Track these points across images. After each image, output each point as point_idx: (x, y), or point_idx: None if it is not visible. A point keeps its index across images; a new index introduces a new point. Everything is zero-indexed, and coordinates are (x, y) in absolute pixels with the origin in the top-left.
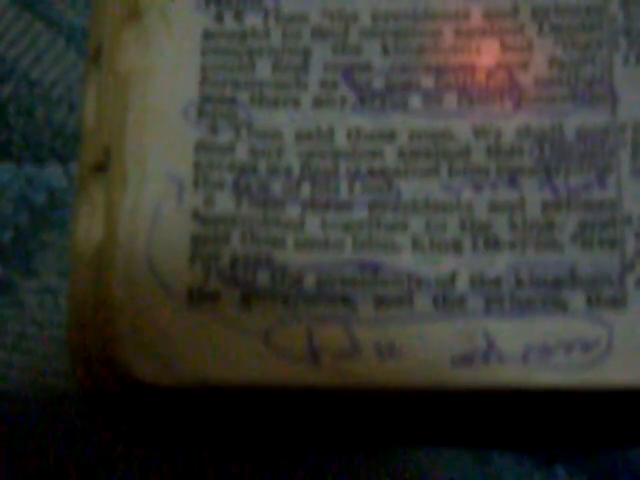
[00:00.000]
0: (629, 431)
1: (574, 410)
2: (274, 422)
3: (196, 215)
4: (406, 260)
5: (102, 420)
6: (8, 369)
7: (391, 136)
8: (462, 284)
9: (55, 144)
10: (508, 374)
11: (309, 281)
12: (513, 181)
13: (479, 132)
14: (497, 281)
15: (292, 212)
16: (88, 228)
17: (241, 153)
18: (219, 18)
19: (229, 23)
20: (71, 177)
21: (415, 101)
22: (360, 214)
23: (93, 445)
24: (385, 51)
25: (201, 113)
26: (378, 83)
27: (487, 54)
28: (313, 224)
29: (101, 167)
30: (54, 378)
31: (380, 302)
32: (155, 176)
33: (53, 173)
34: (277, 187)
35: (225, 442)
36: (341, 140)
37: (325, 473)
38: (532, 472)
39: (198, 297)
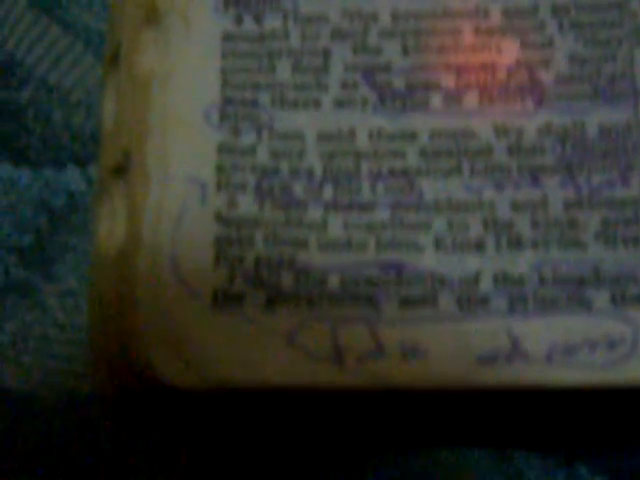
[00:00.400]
0: None
1: (596, 408)
2: (297, 423)
3: (219, 217)
4: (429, 260)
5: (124, 422)
6: (30, 372)
7: (412, 136)
8: (485, 284)
9: (73, 148)
10: (532, 373)
11: (333, 282)
12: (535, 180)
13: (500, 131)
14: (520, 280)
15: (315, 213)
16: (110, 230)
17: (263, 155)
18: (238, 20)
19: (248, 25)
20: (90, 180)
21: (436, 101)
22: (382, 214)
23: (115, 447)
24: (405, 51)
25: (223, 116)
26: (398, 83)
27: (507, 52)
28: (336, 225)
29: (121, 170)
30: (76, 380)
31: (404, 302)
32: (178, 179)
33: (72, 176)
34: (299, 189)
35: (248, 443)
36: (362, 141)
37: (346, 473)
38: (554, 471)
39: (223, 298)
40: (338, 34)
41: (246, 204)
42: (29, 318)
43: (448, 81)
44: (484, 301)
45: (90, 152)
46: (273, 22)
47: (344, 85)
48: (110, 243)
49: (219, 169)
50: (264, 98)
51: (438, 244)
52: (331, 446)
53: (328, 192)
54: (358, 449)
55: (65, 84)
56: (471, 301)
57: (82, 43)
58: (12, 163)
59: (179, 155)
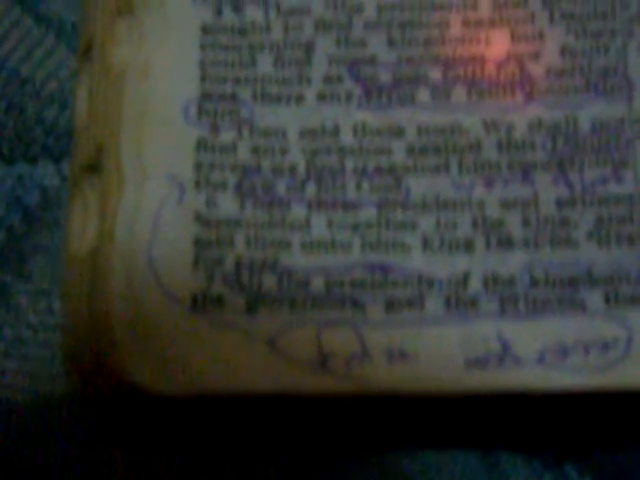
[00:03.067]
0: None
1: (584, 409)
2: (280, 429)
3: (198, 217)
4: (416, 261)
5: (98, 426)
6: (2, 374)
7: (399, 132)
8: (475, 285)
9: (47, 142)
10: (524, 377)
11: (317, 284)
12: (526, 176)
13: (490, 126)
14: (511, 281)
15: (298, 213)
16: (82, 229)
17: (244, 152)
18: (218, 12)
19: (228, 17)
20: (64, 175)
21: (423, 95)
22: (368, 213)
23: (88, 451)
24: (391, 43)
25: (201, 111)
26: (384, 77)
27: (497, 45)
28: (319, 225)
29: (94, 167)
30: (49, 382)
31: (390, 304)
32: (154, 177)
33: (45, 172)
34: (281, 187)
35: (226, 449)
36: (347, 137)
37: (329, 476)
38: (541, 472)
39: (202, 302)
40: (321, 26)
41: (226, 203)
42: (0, 319)
43: (436, 75)
44: (473, 303)
45: (64, 147)
46: (254, 13)
47: (328, 79)
48: (81, 242)
49: (198, 167)
50: (244, 93)
51: (425, 244)
52: (314, 449)
53: (311, 190)
54: (342, 452)
55: (38, 77)
56: (460, 303)
57: (55, 35)
58: None
59: (155, 152)
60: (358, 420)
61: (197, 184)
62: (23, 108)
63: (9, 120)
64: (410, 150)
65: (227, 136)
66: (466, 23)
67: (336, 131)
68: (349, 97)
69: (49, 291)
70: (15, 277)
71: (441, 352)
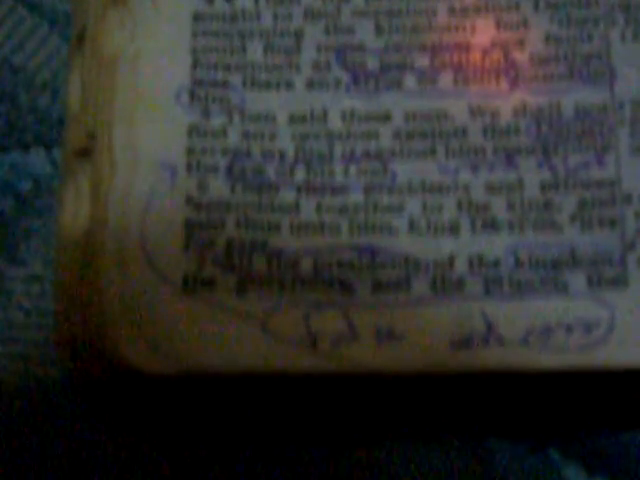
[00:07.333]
0: (623, 414)
1: (568, 393)
2: (270, 409)
3: (190, 200)
4: (403, 243)
5: (91, 408)
6: None
7: (386, 117)
8: (460, 266)
9: (39, 130)
10: (508, 357)
11: (305, 266)
12: (510, 161)
13: (475, 112)
14: (496, 263)
15: (287, 196)
16: (74, 213)
17: (234, 137)
18: (209, 0)
19: (219, 5)
20: (56, 163)
21: (410, 81)
22: (356, 197)
23: (82, 433)
24: (379, 31)
25: (193, 97)
26: (372, 64)
27: (482, 32)
28: (308, 208)
29: (86, 152)
30: (41, 366)
31: (377, 286)
32: (147, 161)
33: (38, 159)
34: (271, 171)
35: (218, 430)
36: (335, 122)
37: (321, 460)
38: (526, 456)
39: (193, 283)
40: (310, 14)
41: (217, 187)
42: None
43: (422, 61)
44: (459, 284)
45: (56, 135)
46: (244, 2)
47: (316, 66)
48: (74, 226)
49: (189, 151)
50: (235, 79)
51: (412, 227)
52: (302, 434)
53: (301, 174)
54: (327, 435)
55: (31, 66)
56: (446, 284)
57: (48, 24)
58: None
59: (148, 137)
60: (343, 410)
61: (189, 168)
62: (16, 97)
63: (2, 108)
64: (397, 135)
65: (218, 121)
66: (452, 11)
67: (325, 117)
68: (337, 83)
69: (41, 276)
70: (8, 262)
71: (427, 332)
